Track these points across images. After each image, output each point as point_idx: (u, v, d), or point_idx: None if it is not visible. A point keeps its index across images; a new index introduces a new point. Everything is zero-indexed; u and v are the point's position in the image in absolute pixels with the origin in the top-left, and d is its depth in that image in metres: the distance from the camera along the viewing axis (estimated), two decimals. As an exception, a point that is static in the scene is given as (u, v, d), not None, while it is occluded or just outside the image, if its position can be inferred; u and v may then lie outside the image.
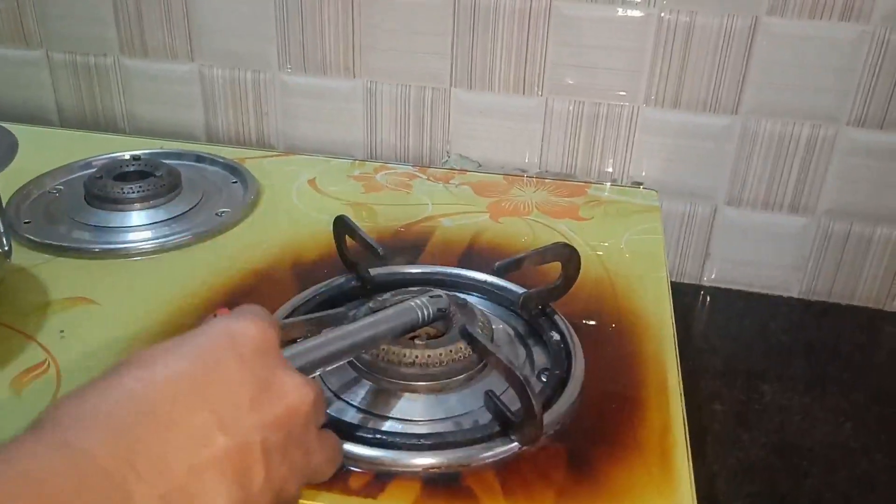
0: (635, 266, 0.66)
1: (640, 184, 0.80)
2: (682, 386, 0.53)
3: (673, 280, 0.83)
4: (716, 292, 0.83)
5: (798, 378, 0.71)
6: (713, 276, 0.83)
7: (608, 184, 0.80)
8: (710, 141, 0.77)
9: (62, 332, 0.55)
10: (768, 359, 0.74)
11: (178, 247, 0.66)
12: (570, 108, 0.78)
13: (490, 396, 0.49)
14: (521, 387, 0.45)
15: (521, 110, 0.79)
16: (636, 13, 0.74)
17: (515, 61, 0.77)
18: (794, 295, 0.82)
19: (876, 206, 0.76)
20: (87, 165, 0.78)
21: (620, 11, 0.74)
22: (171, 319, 0.58)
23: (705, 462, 0.62)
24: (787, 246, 0.80)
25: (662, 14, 0.73)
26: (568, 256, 0.57)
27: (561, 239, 0.69)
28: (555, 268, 0.57)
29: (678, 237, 0.81)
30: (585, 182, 0.81)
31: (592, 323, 0.59)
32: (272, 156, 0.84)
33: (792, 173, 0.76)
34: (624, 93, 0.77)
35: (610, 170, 0.80)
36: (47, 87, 0.89)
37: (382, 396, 0.50)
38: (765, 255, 0.81)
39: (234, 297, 0.60)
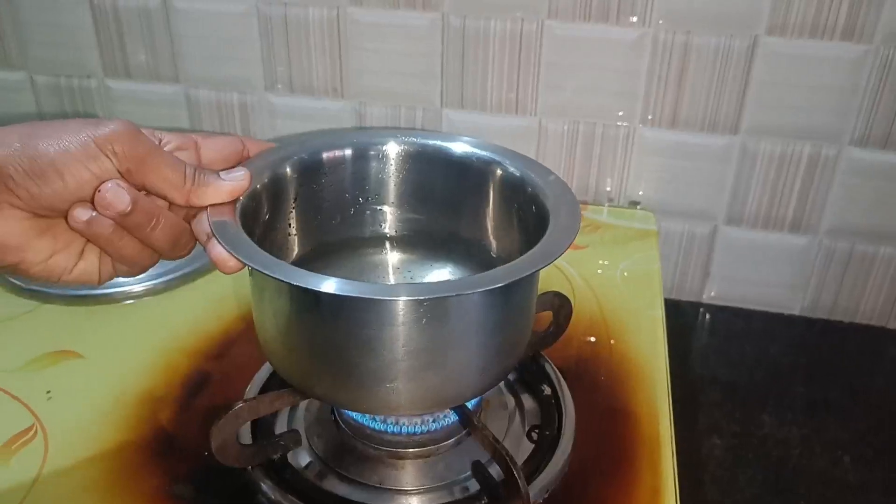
0: (631, 301, 0.65)
1: (637, 203, 0.79)
2: (674, 443, 0.52)
3: (672, 298, 0.82)
4: (716, 311, 0.82)
5: (797, 407, 0.70)
6: (713, 294, 0.82)
7: (606, 206, 0.79)
8: (709, 161, 0.75)
9: (49, 392, 0.55)
10: (768, 384, 0.73)
11: (166, 289, 0.65)
12: (566, 128, 0.76)
13: (478, 468, 0.48)
14: (507, 467, 0.44)
15: (515, 131, 0.78)
16: (631, 33, 0.71)
17: (508, 82, 0.75)
18: (796, 313, 0.81)
19: (879, 225, 0.75)
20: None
21: (615, 32, 0.71)
22: (157, 373, 0.57)
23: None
24: (788, 265, 0.78)
25: (658, 34, 0.71)
26: (559, 306, 0.56)
27: (555, 269, 0.68)
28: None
29: (677, 256, 0.80)
30: (582, 203, 0.79)
31: (584, 372, 0.58)
32: (263, 179, 0.82)
33: (793, 193, 0.75)
34: (621, 113, 0.75)
35: (608, 189, 0.79)
36: (31, 110, 0.87)
37: (370, 464, 0.50)
38: (766, 274, 0.79)
39: (224, 346, 0.60)
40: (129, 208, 0.39)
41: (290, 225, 0.53)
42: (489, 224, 0.52)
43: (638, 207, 0.78)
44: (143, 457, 0.50)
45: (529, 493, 0.45)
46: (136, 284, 0.65)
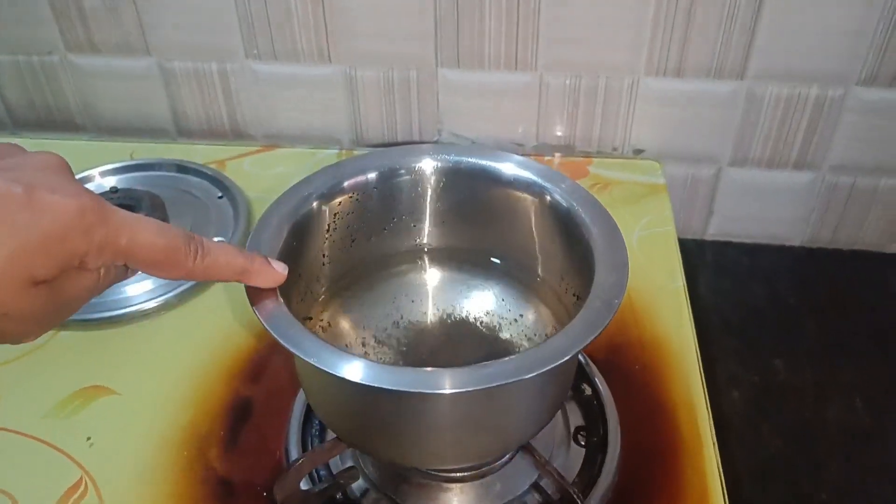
0: (651, 274, 0.65)
1: (642, 150, 0.77)
2: (714, 436, 0.54)
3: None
4: (720, 247, 0.83)
5: (809, 351, 0.72)
6: (716, 231, 0.82)
7: (610, 158, 0.77)
8: (715, 107, 0.73)
9: (89, 439, 0.54)
10: (778, 328, 0.75)
11: (182, 300, 0.63)
12: (568, 82, 0.73)
13: (538, 490, 0.49)
14: (570, 498, 0.45)
15: (515, 87, 0.74)
16: (636, -17, 0.67)
17: (506, 38, 0.71)
18: (797, 244, 0.82)
19: (882, 160, 0.75)
20: (60, 194, 0.73)
21: (619, -17, 0.68)
22: (196, 404, 0.56)
23: (731, 464, 0.64)
24: (791, 200, 0.79)
25: (664, -17, 0.67)
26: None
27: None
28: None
29: (681, 198, 0.80)
30: (586, 155, 0.78)
31: (618, 363, 0.58)
32: (252, 152, 0.79)
33: (798, 134, 0.74)
34: (625, 64, 0.72)
35: (612, 139, 0.77)
36: (-6, 91, 0.81)
37: (426, 490, 0.51)
38: (768, 210, 0.79)
39: (257, 366, 0.59)
40: None
41: (323, 255, 0.51)
42: (531, 247, 0.51)
43: (643, 157, 0.77)
44: (205, 507, 0.50)
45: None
46: (148, 301, 0.63)
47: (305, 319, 0.49)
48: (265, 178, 0.76)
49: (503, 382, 0.37)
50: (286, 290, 0.43)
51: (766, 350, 0.73)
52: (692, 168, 0.78)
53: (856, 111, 0.72)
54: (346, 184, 0.50)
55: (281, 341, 0.39)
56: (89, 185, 0.74)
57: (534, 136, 0.77)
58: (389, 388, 0.37)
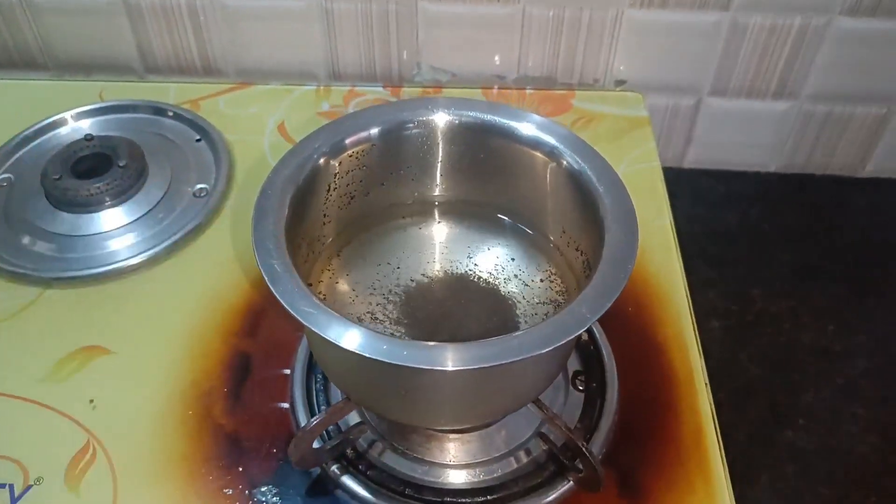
0: (638, 210, 0.65)
1: (624, 82, 0.77)
2: (706, 375, 0.56)
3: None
4: (697, 175, 0.83)
5: (783, 277, 0.75)
6: (694, 159, 0.83)
7: (592, 90, 0.77)
8: (698, 38, 0.73)
9: (92, 401, 0.54)
10: (752, 255, 0.77)
11: (169, 253, 0.62)
12: (551, 14, 0.72)
13: (543, 438, 0.51)
14: (584, 457, 0.47)
15: (496, 20, 0.73)
16: (623, -87, 0.65)
17: (488, -31, 0.69)
18: (772, 170, 0.83)
19: (859, 88, 0.76)
20: (30, 141, 0.70)
21: (605, -88, 0.66)
22: (195, 361, 0.56)
23: (713, 391, 0.67)
24: (767, 128, 0.79)
25: (652, -88, 0.65)
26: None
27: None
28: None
29: (660, 128, 0.80)
30: (568, 87, 0.77)
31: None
32: (226, 90, 0.76)
33: (779, 63, 0.74)
34: (608, -5, 0.71)
35: (593, 71, 0.76)
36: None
37: (435, 441, 0.52)
38: (745, 138, 0.80)
39: (253, 319, 0.58)
40: None
41: (324, 215, 0.51)
42: (540, 204, 0.51)
43: (619, 89, 0.77)
44: (216, 467, 0.51)
45: (602, 474, 0.48)
46: (135, 256, 0.61)
47: (309, 284, 0.49)
48: (242, 118, 0.73)
49: (520, 357, 0.38)
50: (289, 251, 0.43)
51: (742, 280, 0.75)
52: (672, 98, 0.78)
53: (837, 40, 0.72)
54: (347, 140, 0.49)
55: (297, 317, 0.39)
56: (63, 130, 0.71)
57: (514, 68, 0.76)
58: (404, 364, 0.37)
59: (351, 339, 0.38)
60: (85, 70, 0.79)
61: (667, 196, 0.68)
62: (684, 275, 0.62)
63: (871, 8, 0.70)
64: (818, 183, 0.83)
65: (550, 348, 0.38)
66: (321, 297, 0.49)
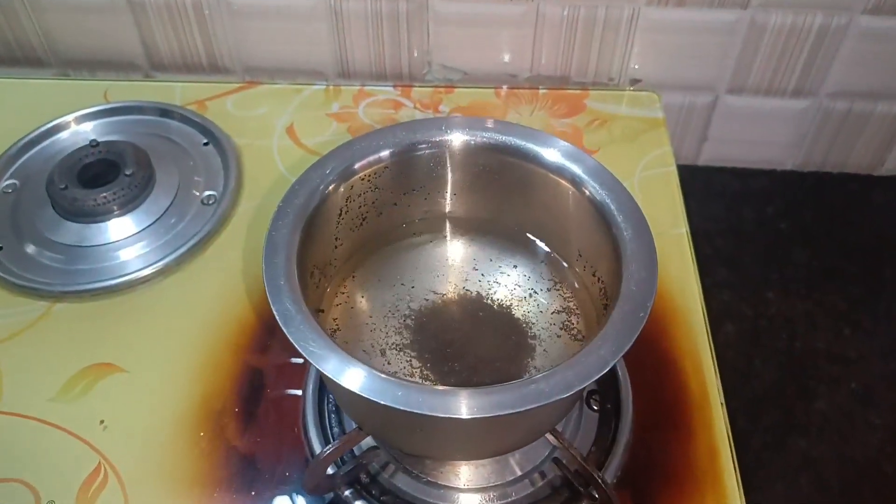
0: (653, 219, 0.63)
1: (639, 81, 0.75)
2: (721, 394, 0.55)
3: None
4: (712, 172, 0.82)
5: (799, 278, 0.74)
6: (709, 157, 0.82)
7: (607, 88, 0.75)
8: (715, 36, 0.71)
9: (103, 422, 0.54)
10: (769, 255, 0.76)
11: (179, 264, 0.61)
12: (566, 13, 0.70)
13: (557, 464, 0.51)
14: (598, 485, 0.47)
15: (509, 18, 0.71)
16: (641, -89, 0.63)
17: (501, -33, 0.67)
18: (788, 168, 0.82)
19: (880, 86, 0.74)
20: (35, 144, 0.69)
21: None
22: (206, 378, 0.56)
23: (726, 397, 0.67)
24: (785, 126, 0.78)
25: None
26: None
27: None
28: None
29: (676, 125, 0.78)
30: (582, 87, 0.75)
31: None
32: (234, 90, 0.74)
33: (799, 62, 0.72)
34: (624, -7, 0.69)
35: (608, 70, 0.74)
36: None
37: (448, 464, 0.52)
38: (762, 136, 0.79)
39: (264, 336, 0.58)
40: None
41: (336, 238, 0.50)
42: (559, 229, 0.50)
43: (634, 88, 0.75)
44: (231, 492, 0.50)
45: (617, 502, 0.48)
46: (145, 267, 0.61)
47: (322, 311, 0.49)
48: (250, 119, 0.72)
49: (538, 405, 0.37)
50: (301, 284, 0.42)
51: (757, 281, 0.74)
52: (689, 96, 0.76)
53: (858, 39, 0.70)
54: (358, 165, 0.48)
55: (312, 362, 0.38)
56: (66, 134, 0.70)
57: (527, 67, 0.74)
58: (420, 412, 0.37)
59: (367, 385, 0.37)
60: (89, 67, 0.77)
61: (683, 203, 0.66)
62: (700, 287, 0.61)
63: (894, 6, 0.68)
64: (835, 181, 0.82)
65: (569, 394, 0.38)
66: (335, 324, 0.49)
